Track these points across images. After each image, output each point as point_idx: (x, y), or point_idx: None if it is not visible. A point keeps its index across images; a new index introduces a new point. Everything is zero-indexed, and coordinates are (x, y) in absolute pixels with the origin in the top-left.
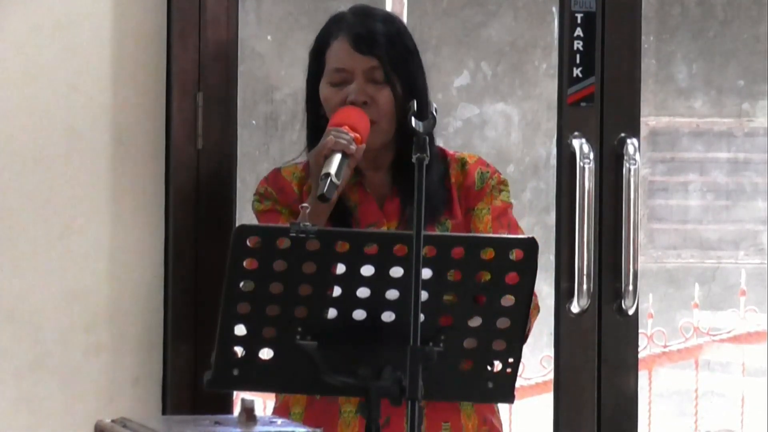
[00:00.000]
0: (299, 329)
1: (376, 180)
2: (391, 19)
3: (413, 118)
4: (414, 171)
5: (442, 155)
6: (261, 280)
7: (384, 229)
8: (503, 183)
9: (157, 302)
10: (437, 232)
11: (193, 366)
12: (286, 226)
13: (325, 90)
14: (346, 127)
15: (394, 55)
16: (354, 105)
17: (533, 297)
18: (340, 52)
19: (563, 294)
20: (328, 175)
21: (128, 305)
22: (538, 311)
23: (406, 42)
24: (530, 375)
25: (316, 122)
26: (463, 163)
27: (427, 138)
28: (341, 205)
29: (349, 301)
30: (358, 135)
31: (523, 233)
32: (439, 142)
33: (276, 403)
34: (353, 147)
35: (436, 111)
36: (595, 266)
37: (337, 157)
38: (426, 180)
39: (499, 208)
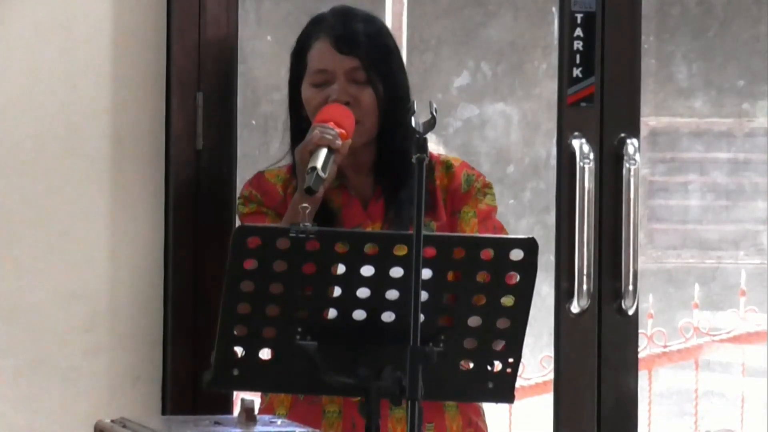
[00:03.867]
0: (299, 329)
1: (359, 181)
2: (372, 19)
3: (413, 118)
4: (397, 171)
5: None
6: (261, 281)
7: (369, 230)
8: (488, 186)
9: (157, 302)
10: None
11: (193, 366)
12: (286, 226)
13: (306, 91)
14: (332, 123)
15: (375, 55)
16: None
17: None
18: (321, 53)
19: (563, 294)
20: (314, 168)
21: (128, 305)
22: None
23: (387, 41)
24: (530, 375)
25: (299, 124)
26: (448, 166)
27: (426, 138)
28: (326, 208)
29: (349, 302)
30: (343, 131)
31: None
32: (439, 143)
33: (261, 405)
34: (339, 142)
35: (436, 111)
36: (595, 266)
37: (323, 152)
38: (409, 182)
39: (484, 212)
